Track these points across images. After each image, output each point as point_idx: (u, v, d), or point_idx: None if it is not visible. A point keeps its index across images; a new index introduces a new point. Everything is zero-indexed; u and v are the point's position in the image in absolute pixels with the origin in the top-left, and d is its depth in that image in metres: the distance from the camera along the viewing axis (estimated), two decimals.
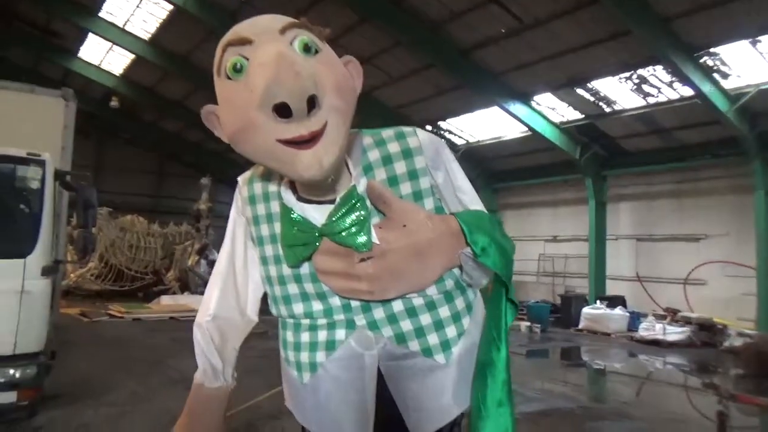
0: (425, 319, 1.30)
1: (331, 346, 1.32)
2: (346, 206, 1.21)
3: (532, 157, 16.96)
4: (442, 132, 17.71)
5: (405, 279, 1.22)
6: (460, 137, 17.82)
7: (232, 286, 1.43)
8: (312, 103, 1.02)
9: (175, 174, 26.24)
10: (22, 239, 4.37)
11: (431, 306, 1.30)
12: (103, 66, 19.67)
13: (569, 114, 14.59)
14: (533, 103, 14.29)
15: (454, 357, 1.32)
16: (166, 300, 13.94)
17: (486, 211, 1.36)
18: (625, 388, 8.28)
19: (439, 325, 1.31)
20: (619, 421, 5.97)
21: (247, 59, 1.05)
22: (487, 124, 16.36)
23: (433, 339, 1.31)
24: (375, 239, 1.20)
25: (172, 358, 7.62)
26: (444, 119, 16.90)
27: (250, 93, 1.01)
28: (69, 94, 5.98)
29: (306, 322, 1.34)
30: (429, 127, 17.46)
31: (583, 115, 14.33)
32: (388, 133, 1.31)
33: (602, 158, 15.60)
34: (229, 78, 1.08)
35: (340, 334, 1.32)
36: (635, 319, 13.24)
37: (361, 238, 1.19)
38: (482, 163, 18.63)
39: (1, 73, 10.54)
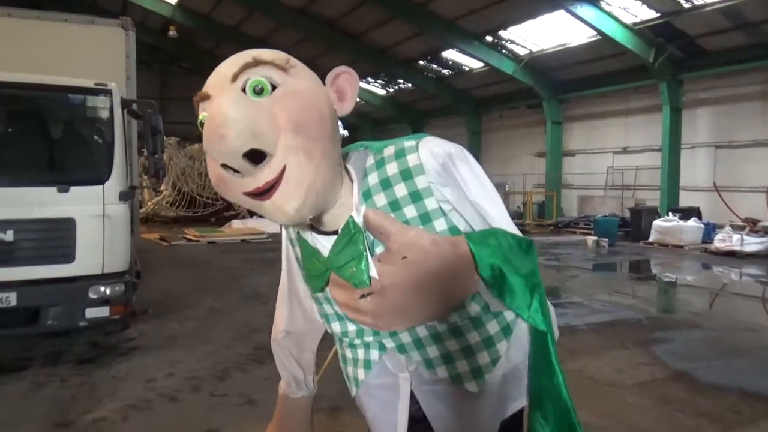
0: (452, 345, 1.20)
1: (368, 365, 1.30)
2: (345, 239, 1.14)
3: (601, 64, 15.97)
4: (503, 42, 16.88)
5: (409, 315, 1.11)
6: (522, 47, 16.93)
7: (297, 302, 1.43)
8: (258, 154, 0.99)
9: None
10: (99, 167, 4.62)
11: (456, 332, 1.20)
12: None
13: (643, 13, 13.48)
14: (602, 4, 13.26)
15: (488, 385, 1.23)
16: (237, 224, 14.57)
17: (509, 229, 1.18)
18: (697, 299, 8.08)
19: (468, 352, 1.21)
20: (688, 330, 5.87)
21: (207, 113, 1.04)
22: (552, 31, 15.40)
23: (462, 366, 1.21)
24: (373, 272, 1.10)
25: (245, 277, 8.04)
26: (505, 28, 16.03)
27: None
28: (127, 23, 6.06)
29: (346, 339, 1.32)
30: (489, 38, 16.68)
31: (659, 14, 13.20)
32: (389, 150, 1.20)
33: (678, 60, 14.47)
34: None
35: (374, 354, 1.29)
36: (710, 230, 12.70)
37: (360, 274, 1.11)
38: (546, 74, 17.75)
39: (61, 7, 10.77)
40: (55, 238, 4.37)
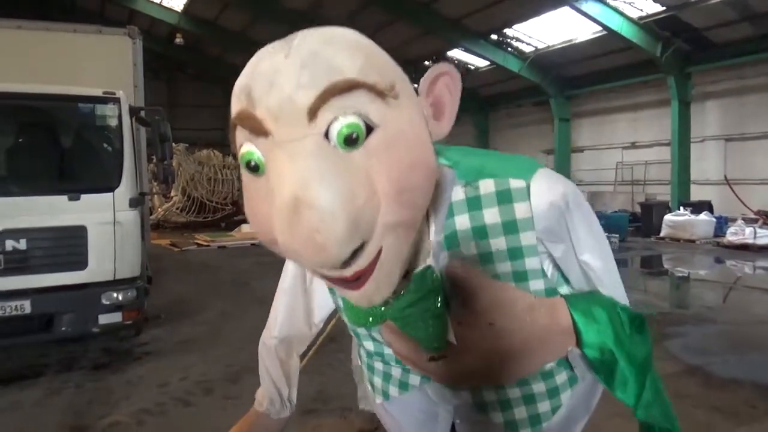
0: (513, 393, 1.06)
1: (404, 387, 1.14)
2: (418, 293, 0.90)
3: (608, 59, 15.89)
4: (508, 40, 16.84)
5: (483, 380, 1.00)
6: (527, 44, 16.89)
7: (301, 302, 1.27)
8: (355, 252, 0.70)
9: None
10: (109, 175, 4.66)
11: (523, 382, 1.05)
12: (165, 3, 19.88)
13: (648, 7, 13.39)
14: None
15: (543, 431, 1.10)
16: (246, 228, 14.63)
17: (619, 295, 1.01)
18: (710, 293, 8.02)
19: (529, 400, 1.07)
20: (702, 324, 5.83)
21: (263, 157, 0.72)
22: (557, 27, 15.35)
23: (520, 413, 1.07)
24: (451, 337, 0.93)
25: (256, 280, 8.08)
26: (510, 26, 15.99)
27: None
28: (134, 31, 6.12)
29: (378, 357, 1.15)
30: (494, 36, 16.64)
31: (664, 7, 13.11)
32: (488, 186, 0.92)
33: (686, 54, 14.36)
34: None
35: (414, 379, 1.11)
36: (722, 224, 12.59)
37: (433, 338, 0.93)
38: (553, 70, 17.68)
39: (69, 18, 10.88)
40: (67, 246, 4.42)
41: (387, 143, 0.71)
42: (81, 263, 4.44)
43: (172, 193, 15.48)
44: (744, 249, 11.10)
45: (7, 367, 4.52)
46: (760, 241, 11.12)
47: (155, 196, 14.38)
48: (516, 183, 0.93)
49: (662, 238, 13.04)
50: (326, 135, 0.69)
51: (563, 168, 18.73)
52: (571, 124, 18.95)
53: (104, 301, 4.49)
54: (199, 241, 12.59)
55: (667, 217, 13.25)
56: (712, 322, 5.94)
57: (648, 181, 16.67)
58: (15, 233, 4.21)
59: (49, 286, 4.32)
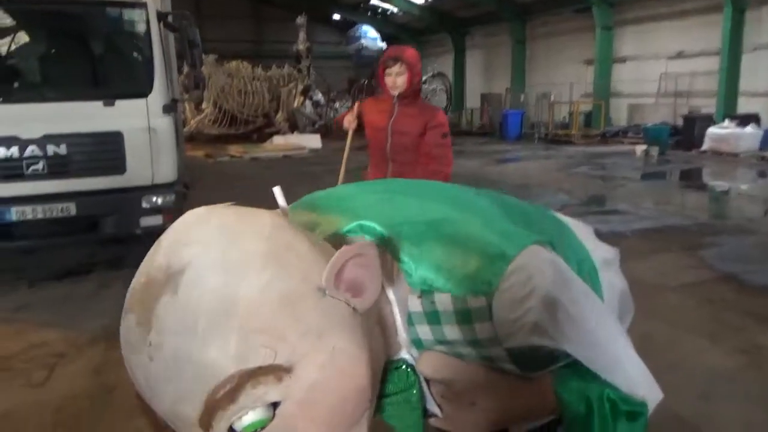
0: None
1: None
2: (396, 385, 0.95)
3: None
4: None
5: None
6: None
7: None
8: None
9: (272, 18, 26.55)
10: (141, 81, 4.67)
11: None
12: None
13: None
14: None
15: None
16: (278, 140, 14.71)
17: (619, 376, 0.95)
18: (751, 206, 7.82)
19: None
20: (740, 235, 5.73)
21: None
22: None
23: None
24: (435, 410, 0.97)
25: (288, 189, 8.15)
26: None
27: None
28: None
29: None
30: None
31: None
32: (444, 302, 0.89)
33: None
34: None
35: None
36: None
37: (410, 428, 0.99)
38: None
39: None
40: (105, 151, 4.51)
41: (300, 405, 0.68)
42: (119, 168, 4.55)
43: (204, 105, 15.50)
44: None
45: (61, 265, 4.79)
46: None
47: (187, 108, 14.43)
48: (475, 302, 0.88)
49: (704, 152, 12.61)
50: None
51: (603, 79, 17.95)
52: (614, 33, 17.93)
53: (144, 205, 4.63)
54: (232, 153, 12.73)
55: (711, 129, 12.75)
56: (751, 233, 5.83)
57: (693, 92, 15.89)
58: (55, 138, 4.31)
59: (91, 189, 4.46)
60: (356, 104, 3.46)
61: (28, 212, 4.26)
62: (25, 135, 4.22)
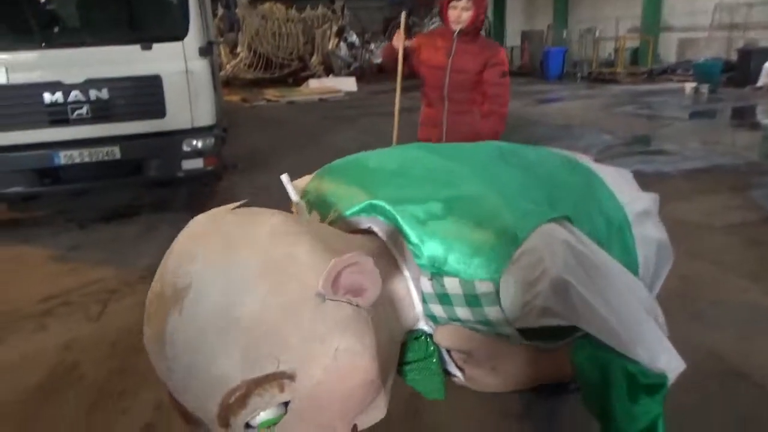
0: None
1: None
2: (416, 354, 1.01)
3: None
4: None
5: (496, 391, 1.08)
6: None
7: None
8: None
9: None
10: (177, 24, 4.67)
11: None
12: None
13: None
14: None
15: None
16: (313, 83, 14.58)
17: (640, 348, 0.93)
18: None
19: None
20: None
21: None
22: None
23: None
24: (456, 373, 1.02)
25: (325, 133, 8.20)
26: None
27: None
28: None
29: None
30: None
31: None
32: (453, 285, 0.91)
33: None
34: None
35: None
36: None
37: (432, 392, 1.05)
38: None
39: None
40: (145, 95, 4.58)
41: (308, 401, 0.74)
42: (160, 111, 4.63)
43: (238, 50, 15.42)
44: None
45: (108, 207, 4.98)
46: None
47: (222, 53, 14.38)
48: (482, 286, 0.89)
49: (759, 88, 11.93)
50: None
51: (652, 12, 16.97)
52: None
53: (185, 148, 4.72)
54: (268, 97, 12.72)
55: None
56: None
57: (749, 24, 14.89)
58: (97, 83, 4.40)
59: (133, 133, 4.57)
60: (397, 31, 3.22)
61: (75, 156, 4.41)
62: (68, 80, 4.32)
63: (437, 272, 0.91)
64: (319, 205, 1.07)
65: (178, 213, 4.82)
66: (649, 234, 1.30)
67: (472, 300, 0.91)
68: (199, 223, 0.80)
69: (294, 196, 1.05)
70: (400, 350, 1.01)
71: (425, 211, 0.93)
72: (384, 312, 0.89)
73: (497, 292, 0.88)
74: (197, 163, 4.81)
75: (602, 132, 8.06)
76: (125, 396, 2.39)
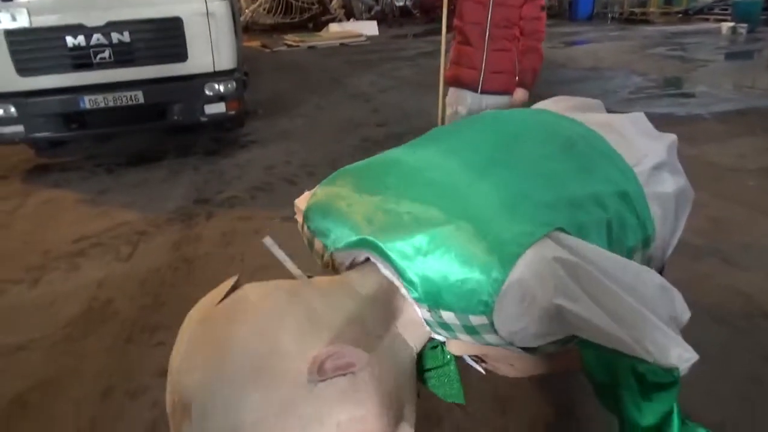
0: None
1: None
2: (435, 362, 1.18)
3: None
4: None
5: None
6: None
7: None
8: None
9: None
10: None
11: None
12: None
13: None
14: None
15: None
16: (334, 27, 14.25)
17: (649, 340, 0.92)
18: None
19: None
20: None
21: None
22: None
23: None
24: (476, 367, 1.22)
25: (347, 77, 8.06)
26: None
27: None
28: None
29: None
30: None
31: None
32: (450, 318, 1.01)
33: None
34: None
35: None
36: None
37: (451, 396, 1.20)
38: None
39: None
40: (166, 38, 4.53)
41: None
42: (181, 55, 4.59)
43: None
44: None
45: (133, 152, 5.02)
46: None
47: None
48: (477, 320, 0.95)
49: None
50: None
51: None
52: None
53: (207, 92, 4.70)
54: (288, 42, 12.50)
55: None
56: None
57: None
58: (118, 26, 4.36)
59: (156, 77, 4.55)
60: None
61: (100, 100, 4.42)
62: (90, 23, 4.28)
63: (434, 306, 0.97)
64: (319, 234, 1.19)
65: (201, 158, 4.85)
66: (664, 189, 1.31)
67: (470, 329, 0.98)
68: (191, 331, 0.90)
69: (292, 269, 1.14)
70: (419, 360, 1.12)
71: (412, 247, 0.98)
72: (390, 347, 0.96)
73: (492, 323, 0.94)
74: (219, 108, 4.80)
75: (633, 74, 7.79)
76: (159, 330, 2.47)
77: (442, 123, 3.21)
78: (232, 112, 4.90)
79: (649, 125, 1.54)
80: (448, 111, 3.24)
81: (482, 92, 3.07)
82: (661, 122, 1.66)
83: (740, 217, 3.24)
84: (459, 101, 3.17)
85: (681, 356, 0.90)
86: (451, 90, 3.18)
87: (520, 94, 3.02)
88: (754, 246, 2.93)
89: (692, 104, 5.91)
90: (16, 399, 2.11)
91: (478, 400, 1.85)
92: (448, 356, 1.15)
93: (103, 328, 2.53)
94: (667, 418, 0.95)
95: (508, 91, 3.05)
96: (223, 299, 0.98)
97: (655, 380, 0.92)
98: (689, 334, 1.03)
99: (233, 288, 1.02)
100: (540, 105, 1.79)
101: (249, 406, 0.78)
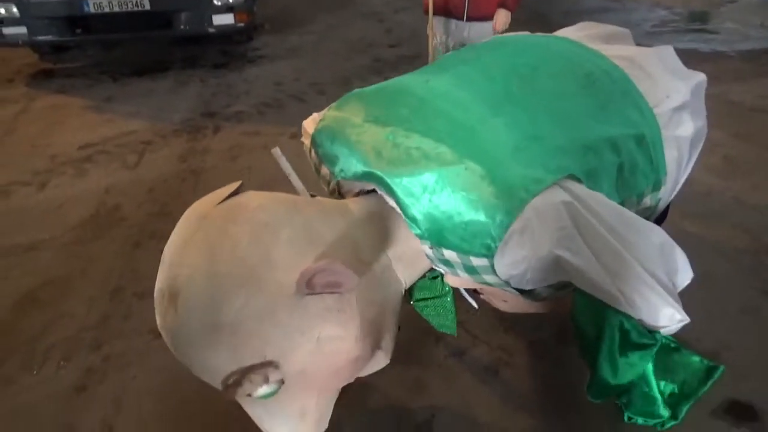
0: None
1: None
2: (431, 292, 1.23)
3: None
4: None
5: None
6: None
7: None
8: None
9: None
10: None
11: None
12: None
13: None
14: None
15: None
16: None
17: (641, 294, 0.94)
18: None
19: None
20: None
21: None
22: None
23: None
24: (471, 302, 1.32)
25: None
26: None
27: None
28: None
29: None
30: None
31: None
32: (452, 256, 1.04)
33: None
34: None
35: None
36: None
37: (445, 326, 1.26)
38: None
39: None
40: None
41: (298, 379, 0.85)
42: None
43: None
44: None
45: (139, 62, 4.91)
46: None
47: None
48: (478, 261, 0.96)
49: None
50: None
51: None
52: None
53: (215, 2, 4.52)
54: None
55: None
56: None
57: None
58: None
59: None
60: None
61: (104, 4, 4.26)
62: None
63: (436, 244, 0.99)
64: (327, 161, 1.18)
65: (208, 71, 4.73)
66: (682, 132, 1.31)
67: (470, 269, 1.00)
68: (189, 225, 0.92)
69: (296, 183, 1.14)
70: (418, 286, 1.17)
71: (420, 184, 0.97)
72: (381, 277, 0.98)
73: (492, 265, 0.96)
74: (228, 19, 4.63)
75: (657, 6, 7.45)
76: (166, 238, 2.47)
77: (432, 53, 3.11)
78: (241, 24, 4.73)
79: (677, 61, 1.48)
80: (436, 41, 3.13)
81: (468, 19, 2.95)
82: (684, 58, 1.59)
83: (754, 158, 3.18)
84: (444, 30, 3.06)
85: (672, 317, 0.92)
86: (436, 19, 3.04)
87: (502, 15, 2.89)
88: (765, 187, 2.90)
89: (717, 41, 5.69)
90: (28, 294, 2.17)
91: (479, 317, 1.89)
92: (447, 288, 1.18)
93: (110, 233, 2.55)
94: (635, 385, 1.00)
95: (492, 16, 2.93)
96: (224, 201, 0.98)
97: (637, 340, 0.94)
98: (695, 266, 1.04)
99: (235, 192, 1.04)
100: (564, 32, 1.72)
101: (231, 309, 0.81)
